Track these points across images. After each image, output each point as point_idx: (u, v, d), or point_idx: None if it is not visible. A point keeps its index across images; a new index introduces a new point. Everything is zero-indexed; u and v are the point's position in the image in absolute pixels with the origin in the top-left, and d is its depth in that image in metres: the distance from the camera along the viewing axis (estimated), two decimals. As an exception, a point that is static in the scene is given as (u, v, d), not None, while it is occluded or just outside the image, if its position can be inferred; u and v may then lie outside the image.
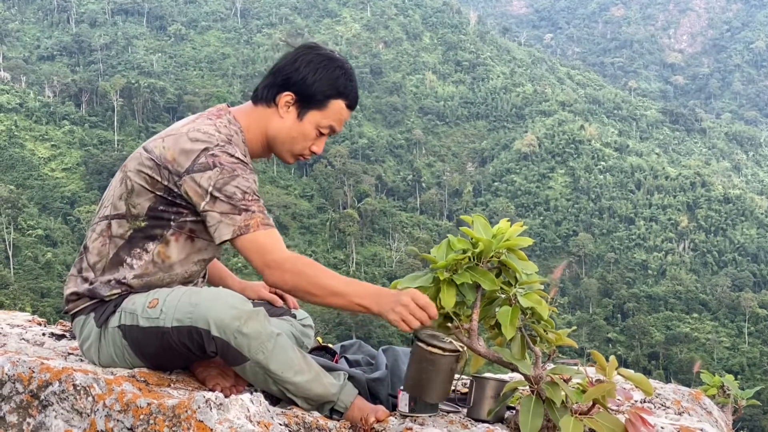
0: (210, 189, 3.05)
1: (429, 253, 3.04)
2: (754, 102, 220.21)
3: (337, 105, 3.27)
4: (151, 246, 3.18)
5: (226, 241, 3.06)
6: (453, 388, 3.17)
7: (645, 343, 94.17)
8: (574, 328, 3.35)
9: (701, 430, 3.17)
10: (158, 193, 3.13)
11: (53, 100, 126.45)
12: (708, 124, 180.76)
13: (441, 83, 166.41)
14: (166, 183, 3.12)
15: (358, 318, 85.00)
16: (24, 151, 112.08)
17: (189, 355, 3.11)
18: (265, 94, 3.27)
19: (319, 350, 3.64)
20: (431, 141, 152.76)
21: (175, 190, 3.11)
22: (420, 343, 3.01)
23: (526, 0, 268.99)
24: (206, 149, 3.08)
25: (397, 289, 3.02)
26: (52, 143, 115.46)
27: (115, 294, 3.17)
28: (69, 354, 3.44)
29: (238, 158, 3.10)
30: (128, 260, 3.18)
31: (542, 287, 3.02)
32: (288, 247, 3.13)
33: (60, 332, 3.80)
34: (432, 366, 2.99)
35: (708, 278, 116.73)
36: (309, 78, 3.21)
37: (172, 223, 3.15)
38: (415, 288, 3.01)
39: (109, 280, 3.18)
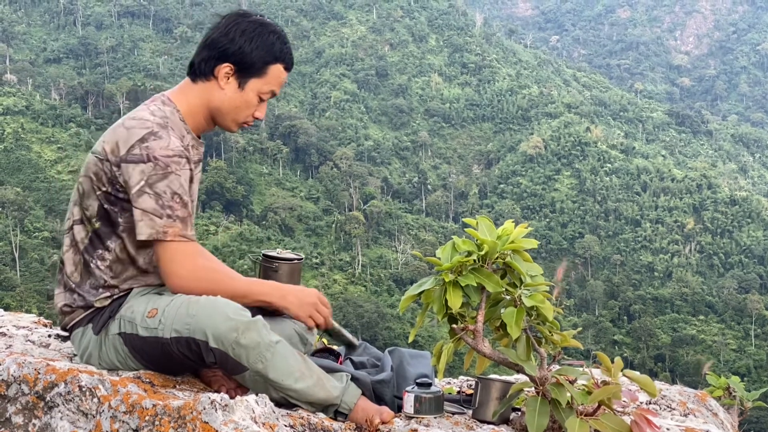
0: (141, 183, 3.04)
1: (434, 255, 3.04)
2: (760, 104, 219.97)
3: (276, 69, 3.26)
4: (111, 244, 3.17)
5: (143, 239, 3.08)
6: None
7: (651, 345, 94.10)
8: (579, 329, 3.35)
9: (707, 431, 3.17)
10: (103, 188, 3.13)
11: (60, 103, 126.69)
12: (714, 126, 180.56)
13: (447, 85, 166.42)
14: (108, 175, 3.11)
15: (364, 320, 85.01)
16: (30, 154, 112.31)
17: (190, 364, 3.11)
18: (202, 69, 3.24)
19: (323, 352, 3.64)
20: (437, 143, 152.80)
21: (117, 181, 3.11)
22: (264, 260, 3.40)
23: (532, 2, 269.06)
24: (141, 139, 3.07)
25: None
26: (59, 146, 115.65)
27: (104, 297, 3.18)
28: (74, 355, 3.44)
29: (174, 150, 3.08)
30: (94, 262, 3.18)
31: (547, 289, 3.02)
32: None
33: (66, 334, 3.80)
34: (275, 274, 3.36)
35: (714, 280, 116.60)
36: (246, 47, 3.20)
37: (120, 219, 3.15)
38: (419, 292, 3.02)
39: (92, 287, 3.19)
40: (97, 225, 3.17)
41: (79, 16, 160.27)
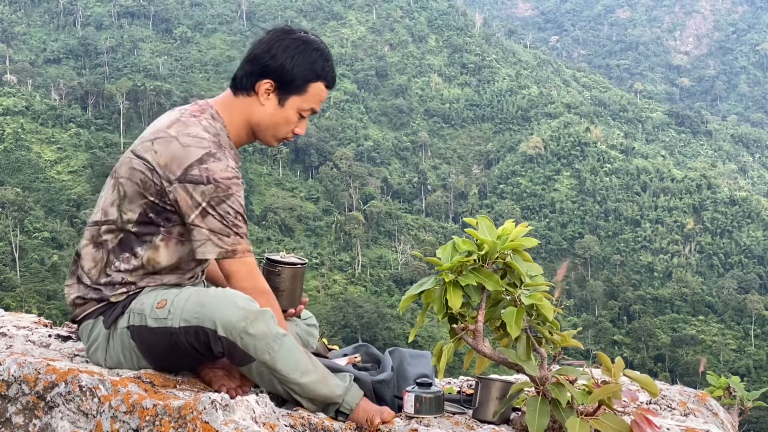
0: (203, 204, 3.07)
1: (434, 255, 3.04)
2: (760, 104, 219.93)
3: (317, 87, 3.27)
4: (140, 251, 3.19)
5: (208, 258, 3.14)
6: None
7: (651, 345, 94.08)
8: (579, 329, 3.35)
9: (707, 431, 3.17)
10: (150, 198, 3.14)
11: (59, 103, 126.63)
12: (714, 126, 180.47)
13: (446, 85, 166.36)
14: (158, 188, 3.12)
15: (364, 320, 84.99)
16: (30, 154, 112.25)
17: (196, 356, 3.12)
18: (244, 83, 3.27)
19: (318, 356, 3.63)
20: (437, 143, 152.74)
21: (166, 195, 3.12)
22: (267, 264, 3.40)
23: (531, 2, 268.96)
24: (200, 160, 3.09)
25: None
26: (59, 146, 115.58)
27: (120, 292, 3.19)
28: (75, 355, 3.44)
29: (231, 171, 3.12)
30: (117, 264, 3.19)
31: (548, 289, 3.02)
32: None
33: (66, 334, 3.80)
34: (278, 278, 3.35)
35: (714, 280, 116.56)
36: (287, 64, 3.21)
37: (161, 228, 3.17)
38: (420, 292, 3.02)
39: (109, 284, 3.20)
40: (133, 230, 3.19)
41: (79, 17, 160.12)
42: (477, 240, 3.01)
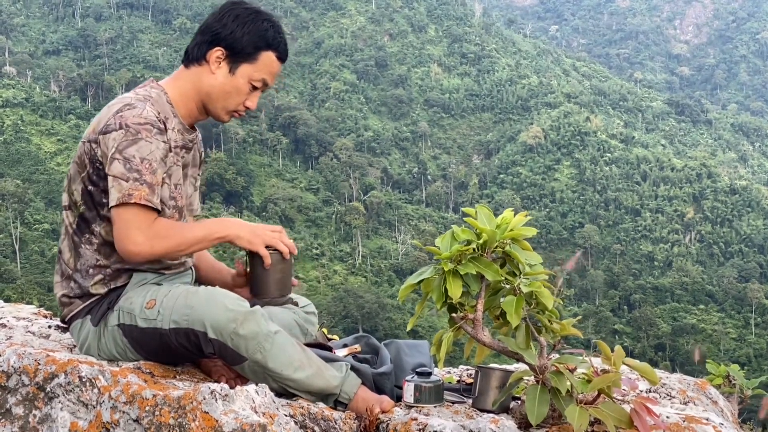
0: (113, 151, 3.03)
1: (434, 245, 3.04)
2: (760, 93, 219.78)
3: (268, 57, 3.25)
4: (96, 228, 3.17)
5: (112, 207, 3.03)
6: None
7: (651, 334, 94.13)
8: (579, 318, 3.34)
9: (707, 419, 3.17)
10: (87, 169, 3.13)
11: (59, 95, 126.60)
12: (714, 115, 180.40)
13: (446, 75, 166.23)
14: (90, 155, 3.12)
15: (364, 311, 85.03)
16: (30, 146, 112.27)
17: (188, 355, 3.11)
18: (195, 53, 3.25)
19: (315, 347, 3.63)
20: (437, 133, 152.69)
21: (96, 159, 3.10)
22: (251, 252, 3.15)
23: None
24: (117, 111, 3.08)
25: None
26: (58, 137, 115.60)
27: (98, 282, 3.17)
28: (75, 346, 3.44)
29: (146, 118, 3.07)
30: (83, 246, 3.19)
31: (547, 278, 3.01)
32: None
33: (65, 325, 3.80)
34: (263, 266, 3.12)
35: (714, 269, 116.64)
36: (238, 32, 3.20)
37: (104, 200, 3.12)
38: (419, 281, 3.02)
39: (84, 268, 3.19)
40: (81, 209, 3.18)
41: (78, 8, 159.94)
42: (476, 229, 3.01)
